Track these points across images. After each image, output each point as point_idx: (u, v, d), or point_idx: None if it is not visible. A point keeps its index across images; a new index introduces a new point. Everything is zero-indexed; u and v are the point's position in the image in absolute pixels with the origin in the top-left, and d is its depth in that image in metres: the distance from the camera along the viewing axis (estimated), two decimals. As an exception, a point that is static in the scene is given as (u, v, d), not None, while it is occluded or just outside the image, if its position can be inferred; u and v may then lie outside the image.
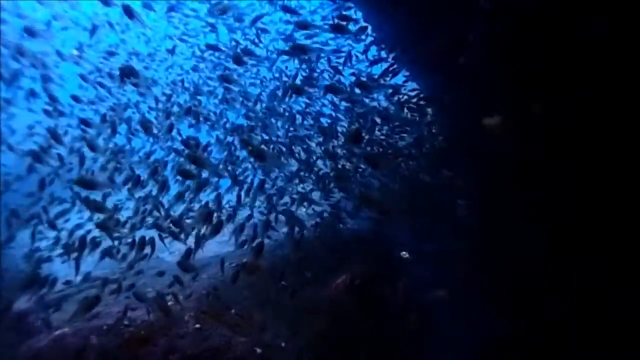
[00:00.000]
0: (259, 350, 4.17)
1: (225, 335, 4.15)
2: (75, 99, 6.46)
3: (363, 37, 6.46)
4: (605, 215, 3.96)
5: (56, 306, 4.41)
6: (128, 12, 4.67)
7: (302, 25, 4.63)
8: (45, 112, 6.33)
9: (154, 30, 10.42)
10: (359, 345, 4.54)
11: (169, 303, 4.37)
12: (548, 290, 4.59)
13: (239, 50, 5.93)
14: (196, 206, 5.76)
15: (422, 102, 6.35)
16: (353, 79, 6.17)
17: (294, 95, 5.89)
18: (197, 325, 4.19)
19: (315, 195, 6.55)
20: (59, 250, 4.95)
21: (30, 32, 6.23)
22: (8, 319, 4.34)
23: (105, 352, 3.90)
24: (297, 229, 5.55)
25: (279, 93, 7.00)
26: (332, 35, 7.30)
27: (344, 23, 4.73)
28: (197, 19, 8.94)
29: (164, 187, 5.22)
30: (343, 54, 6.42)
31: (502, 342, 4.90)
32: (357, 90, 5.39)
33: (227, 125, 7.05)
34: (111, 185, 3.95)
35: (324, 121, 6.75)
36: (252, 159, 5.59)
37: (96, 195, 5.53)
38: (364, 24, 6.11)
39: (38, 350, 3.89)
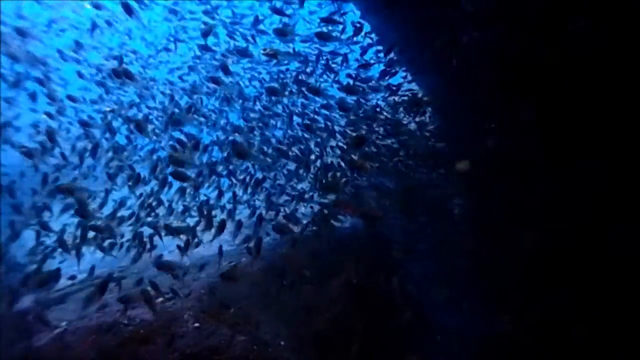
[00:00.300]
0: (257, 349, 4.17)
1: (224, 334, 4.17)
2: (72, 99, 6.51)
3: (360, 38, 6.50)
4: (603, 214, 3.99)
5: (57, 304, 4.44)
6: (127, 9, 4.77)
7: (281, 33, 4.76)
8: (46, 113, 6.38)
9: (153, 32, 10.48)
10: (357, 342, 4.55)
11: (170, 302, 4.42)
12: (546, 289, 4.62)
13: (234, 51, 5.98)
14: (194, 205, 5.79)
15: (417, 103, 6.37)
16: (347, 80, 6.23)
17: (272, 97, 5.98)
18: (197, 324, 4.21)
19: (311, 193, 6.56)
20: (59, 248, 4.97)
21: (21, 33, 6.29)
22: (8, 317, 4.35)
23: (105, 351, 3.92)
24: (292, 227, 5.56)
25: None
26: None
27: (330, 29, 4.84)
28: (195, 21, 8.98)
29: (164, 184, 5.26)
30: (326, 55, 6.46)
31: (500, 340, 4.92)
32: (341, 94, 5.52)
33: (215, 125, 7.12)
34: (91, 193, 3.99)
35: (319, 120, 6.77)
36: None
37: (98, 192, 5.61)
38: (358, 25, 6.15)
39: (38, 349, 3.91)
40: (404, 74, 6.65)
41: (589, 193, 4.03)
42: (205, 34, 5.63)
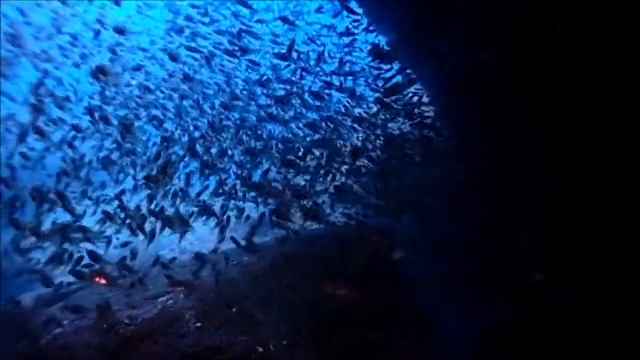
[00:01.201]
0: (260, 349, 4.16)
1: (226, 334, 4.16)
2: (61, 107, 6.60)
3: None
4: (603, 214, 4.02)
5: (57, 303, 4.44)
6: (120, 31, 4.93)
7: (244, 50, 5.02)
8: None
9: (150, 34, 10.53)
10: (356, 338, 4.55)
11: (169, 302, 4.42)
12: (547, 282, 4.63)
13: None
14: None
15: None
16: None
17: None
18: (198, 324, 4.20)
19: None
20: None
21: (11, 34, 6.38)
22: (8, 316, 4.35)
23: (106, 350, 3.91)
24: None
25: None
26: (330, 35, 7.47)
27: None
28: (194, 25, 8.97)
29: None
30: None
31: (499, 339, 4.94)
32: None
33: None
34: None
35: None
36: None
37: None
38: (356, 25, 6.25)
39: (40, 347, 3.90)
40: (401, 74, 6.68)
41: (589, 193, 4.05)
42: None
